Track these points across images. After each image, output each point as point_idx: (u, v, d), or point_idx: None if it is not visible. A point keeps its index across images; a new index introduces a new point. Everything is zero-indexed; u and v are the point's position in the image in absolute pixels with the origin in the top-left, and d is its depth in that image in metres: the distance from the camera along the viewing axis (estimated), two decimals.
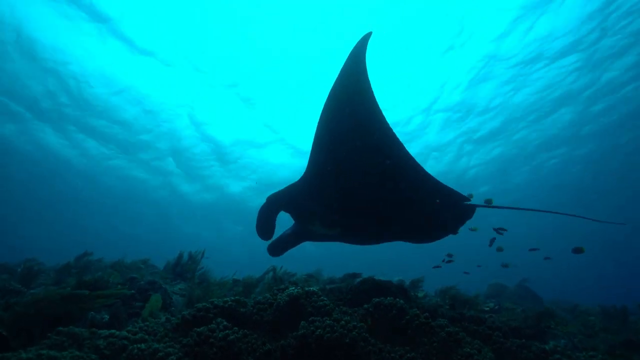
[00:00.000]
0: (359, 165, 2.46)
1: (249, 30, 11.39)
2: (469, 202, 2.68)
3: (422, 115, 14.37)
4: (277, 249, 3.04)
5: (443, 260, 4.96)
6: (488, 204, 3.20)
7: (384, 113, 2.26)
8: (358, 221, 2.81)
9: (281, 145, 16.70)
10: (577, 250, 3.82)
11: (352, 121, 2.26)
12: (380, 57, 11.94)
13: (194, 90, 13.51)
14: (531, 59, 11.50)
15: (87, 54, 11.54)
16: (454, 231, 2.88)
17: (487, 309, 4.96)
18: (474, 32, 10.86)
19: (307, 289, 2.07)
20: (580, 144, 15.45)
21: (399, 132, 14.74)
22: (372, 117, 2.22)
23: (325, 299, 2.02)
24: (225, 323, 1.79)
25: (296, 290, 2.02)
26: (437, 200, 2.59)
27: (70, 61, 11.75)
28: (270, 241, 3.09)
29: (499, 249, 5.24)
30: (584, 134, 14.88)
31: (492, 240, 5.01)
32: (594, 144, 15.28)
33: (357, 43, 2.08)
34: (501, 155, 16.79)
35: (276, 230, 3.13)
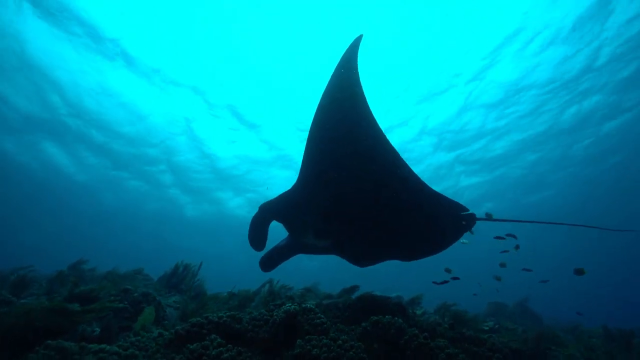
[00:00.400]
0: (350, 172, 2.40)
1: (247, 50, 11.64)
2: (467, 213, 2.64)
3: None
4: (268, 262, 2.94)
5: (448, 273, 4.75)
6: (489, 217, 3.14)
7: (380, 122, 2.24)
8: (350, 232, 2.73)
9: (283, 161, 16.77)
10: (579, 272, 3.72)
11: (343, 126, 2.22)
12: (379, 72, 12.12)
13: (192, 107, 13.67)
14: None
15: (87, 71, 11.73)
16: (451, 243, 2.81)
17: (487, 328, 4.86)
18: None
19: (304, 305, 2.02)
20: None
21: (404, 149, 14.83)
22: (364, 122, 2.18)
23: (322, 316, 1.98)
24: (219, 340, 1.74)
25: (293, 306, 1.98)
26: (435, 211, 2.54)
27: (70, 76, 11.94)
28: (263, 252, 3.02)
29: (502, 265, 5.08)
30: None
31: (517, 247, 4.77)
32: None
33: (349, 46, 2.04)
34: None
35: (269, 243, 3.07)
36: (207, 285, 5.81)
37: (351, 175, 2.41)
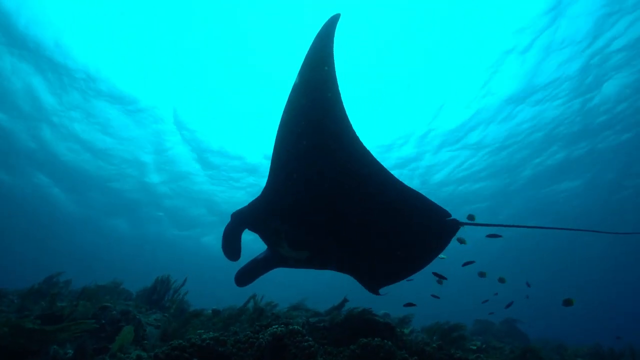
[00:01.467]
0: (320, 172, 2.22)
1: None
2: (450, 218, 2.45)
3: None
4: (242, 277, 2.71)
5: (438, 281, 4.43)
6: (470, 220, 2.98)
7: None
8: (326, 240, 2.57)
9: None
10: (567, 303, 3.64)
11: (312, 116, 2.03)
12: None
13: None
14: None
15: None
16: (437, 252, 2.60)
17: (474, 347, 4.83)
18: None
19: (290, 327, 1.96)
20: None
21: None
22: (336, 113, 2.00)
23: (309, 339, 1.92)
24: None
25: (279, 329, 1.92)
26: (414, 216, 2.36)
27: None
28: (239, 266, 2.87)
29: (482, 275, 4.83)
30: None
31: (482, 273, 4.69)
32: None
33: (324, 26, 1.82)
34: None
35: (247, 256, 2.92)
36: (192, 298, 5.60)
37: (322, 175, 2.25)
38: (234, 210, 2.72)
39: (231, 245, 2.64)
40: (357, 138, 2.12)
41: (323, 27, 1.83)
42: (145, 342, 3.25)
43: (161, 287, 5.25)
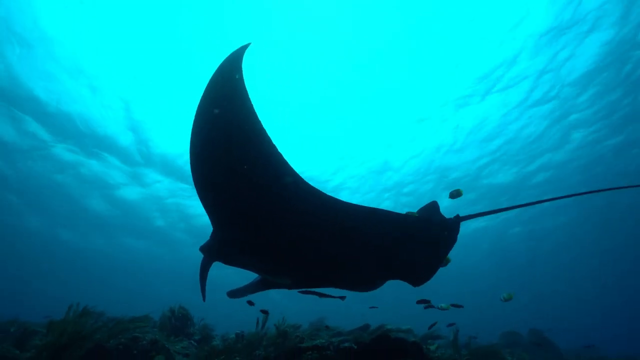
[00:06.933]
0: (250, 193, 1.98)
1: None
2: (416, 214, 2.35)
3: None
4: (235, 294, 2.67)
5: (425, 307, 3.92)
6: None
7: None
8: (304, 268, 2.39)
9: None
10: (506, 299, 3.29)
11: (226, 128, 1.82)
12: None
13: None
14: None
15: None
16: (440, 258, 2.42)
17: None
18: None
19: (324, 352, 1.99)
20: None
21: None
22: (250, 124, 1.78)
23: None
24: None
25: (314, 354, 1.95)
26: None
27: None
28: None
29: (507, 299, 4.08)
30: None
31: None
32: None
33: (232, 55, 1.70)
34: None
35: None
36: (210, 325, 5.63)
37: (253, 195, 2.02)
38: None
39: (203, 281, 2.48)
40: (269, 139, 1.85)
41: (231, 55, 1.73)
42: None
43: (178, 316, 5.33)
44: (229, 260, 2.48)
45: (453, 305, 4.09)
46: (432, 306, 3.74)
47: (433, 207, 2.51)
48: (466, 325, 5.55)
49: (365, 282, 2.60)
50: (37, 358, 2.24)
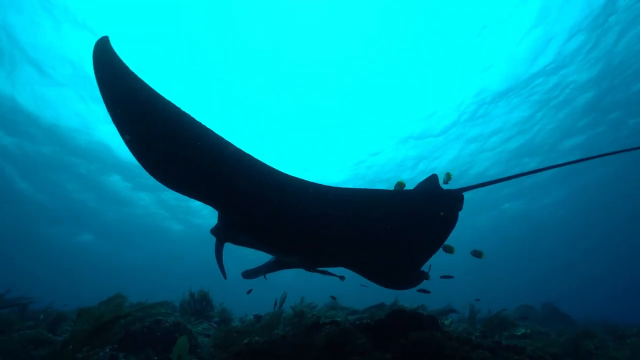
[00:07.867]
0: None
1: None
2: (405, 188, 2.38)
3: None
4: (249, 275, 2.77)
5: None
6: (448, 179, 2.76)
7: None
8: (308, 247, 2.44)
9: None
10: (476, 254, 3.23)
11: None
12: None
13: None
14: None
15: None
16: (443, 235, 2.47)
17: (519, 334, 4.75)
18: None
19: (342, 326, 2.04)
20: None
21: None
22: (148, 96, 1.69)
23: (362, 336, 2.00)
24: None
25: (332, 328, 2.00)
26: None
27: None
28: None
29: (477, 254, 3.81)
30: None
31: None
32: None
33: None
34: None
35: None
36: (228, 307, 5.81)
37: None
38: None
39: (219, 262, 2.55)
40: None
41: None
42: (199, 350, 3.43)
43: (198, 299, 5.51)
44: (235, 241, 2.56)
45: (443, 276, 3.99)
46: (450, 276, 3.76)
47: (433, 180, 2.51)
48: (482, 301, 5.60)
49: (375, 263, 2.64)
50: (72, 340, 2.36)
